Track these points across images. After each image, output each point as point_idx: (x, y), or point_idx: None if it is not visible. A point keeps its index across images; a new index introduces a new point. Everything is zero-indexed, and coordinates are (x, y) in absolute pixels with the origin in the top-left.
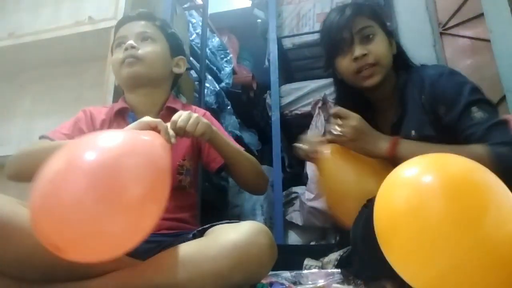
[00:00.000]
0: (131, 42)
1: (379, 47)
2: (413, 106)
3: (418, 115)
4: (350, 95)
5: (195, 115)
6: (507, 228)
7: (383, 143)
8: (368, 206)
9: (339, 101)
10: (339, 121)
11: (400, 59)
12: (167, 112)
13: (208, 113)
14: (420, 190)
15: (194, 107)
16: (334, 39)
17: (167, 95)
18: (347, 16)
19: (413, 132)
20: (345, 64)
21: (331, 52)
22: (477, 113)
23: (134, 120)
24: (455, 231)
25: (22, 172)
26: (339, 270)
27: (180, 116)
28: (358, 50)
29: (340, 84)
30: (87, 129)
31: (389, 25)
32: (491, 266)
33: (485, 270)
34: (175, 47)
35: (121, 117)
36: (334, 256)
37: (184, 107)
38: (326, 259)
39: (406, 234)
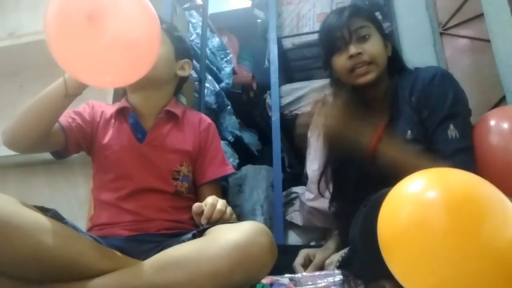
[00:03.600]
0: None
1: (374, 47)
2: (404, 107)
3: (410, 115)
4: (346, 94)
5: (227, 209)
6: (506, 237)
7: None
8: (366, 205)
9: (335, 100)
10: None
11: (395, 62)
12: (166, 116)
13: (213, 125)
14: (424, 205)
15: (200, 114)
16: (331, 38)
17: (170, 98)
18: (345, 16)
19: (409, 132)
20: (340, 62)
21: (328, 50)
22: (452, 131)
23: (134, 120)
24: (456, 241)
25: (19, 132)
26: (339, 271)
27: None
28: (353, 49)
29: (336, 83)
30: (88, 117)
31: (388, 25)
32: (490, 273)
33: (484, 277)
34: (181, 50)
35: (122, 116)
36: (335, 257)
37: (186, 112)
38: (328, 260)
39: (409, 246)
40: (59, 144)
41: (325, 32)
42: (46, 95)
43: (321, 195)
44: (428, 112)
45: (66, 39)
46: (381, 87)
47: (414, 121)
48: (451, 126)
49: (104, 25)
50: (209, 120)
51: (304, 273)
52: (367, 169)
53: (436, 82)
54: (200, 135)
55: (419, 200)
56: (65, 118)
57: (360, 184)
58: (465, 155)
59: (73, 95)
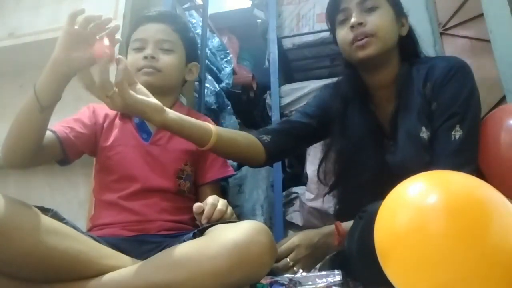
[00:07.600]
0: (151, 52)
1: (379, 19)
2: (416, 99)
3: (423, 108)
4: (352, 85)
5: (228, 209)
6: (508, 242)
7: (329, 238)
8: (363, 217)
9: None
10: (291, 256)
11: (409, 45)
12: None
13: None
14: (423, 210)
15: (203, 116)
16: (337, 9)
17: (176, 100)
18: None
19: (423, 129)
20: (342, 34)
21: (333, 22)
22: (457, 132)
23: (140, 120)
24: (456, 247)
25: (13, 148)
26: (339, 272)
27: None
28: (354, 18)
29: (345, 72)
30: (89, 121)
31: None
32: (492, 279)
33: (485, 283)
34: (191, 53)
35: (127, 116)
36: (327, 256)
37: (190, 113)
38: (322, 262)
39: (407, 252)
40: (57, 155)
41: (331, 3)
42: (22, 115)
43: (321, 181)
44: (437, 105)
45: None
46: (389, 69)
47: (426, 115)
48: (457, 127)
49: None
50: (212, 122)
51: (304, 273)
52: (372, 156)
53: (452, 73)
54: None
55: (418, 204)
56: (63, 128)
57: (365, 170)
58: (462, 157)
59: (49, 106)
